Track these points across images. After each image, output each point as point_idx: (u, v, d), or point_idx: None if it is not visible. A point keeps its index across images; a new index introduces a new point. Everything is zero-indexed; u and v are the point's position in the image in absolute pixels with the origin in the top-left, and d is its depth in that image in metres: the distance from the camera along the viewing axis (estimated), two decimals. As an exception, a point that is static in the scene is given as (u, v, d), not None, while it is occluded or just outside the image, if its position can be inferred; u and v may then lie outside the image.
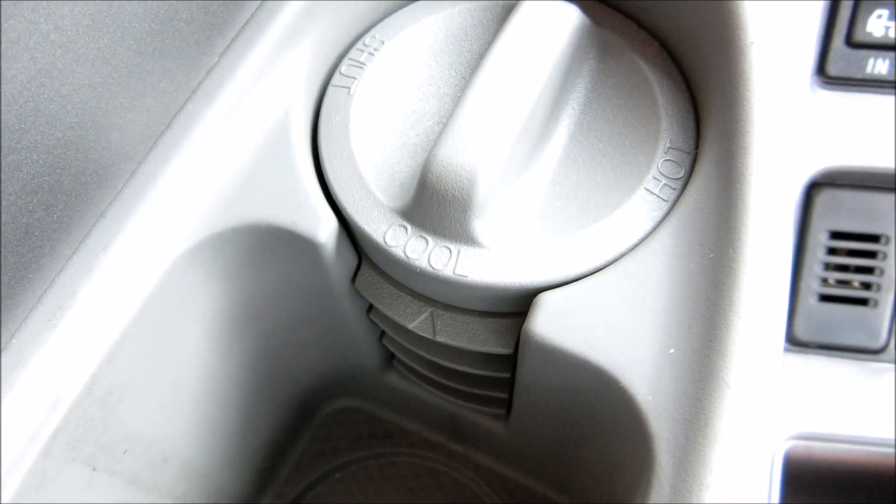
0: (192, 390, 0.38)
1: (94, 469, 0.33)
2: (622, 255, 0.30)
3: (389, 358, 0.46)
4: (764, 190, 0.29)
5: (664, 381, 0.28)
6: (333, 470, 0.51)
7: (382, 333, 0.42)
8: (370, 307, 0.39)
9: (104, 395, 0.32)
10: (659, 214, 0.31)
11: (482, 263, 0.31)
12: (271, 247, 0.34)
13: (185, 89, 0.34)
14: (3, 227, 0.27)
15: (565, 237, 0.31)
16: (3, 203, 0.27)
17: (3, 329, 0.29)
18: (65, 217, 0.30)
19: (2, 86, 0.25)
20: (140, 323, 0.32)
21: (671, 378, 0.28)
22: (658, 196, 0.31)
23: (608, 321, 0.29)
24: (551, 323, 0.30)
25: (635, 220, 0.31)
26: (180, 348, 0.35)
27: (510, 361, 0.35)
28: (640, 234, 0.30)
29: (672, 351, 0.28)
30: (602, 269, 0.30)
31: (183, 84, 0.33)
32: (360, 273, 0.36)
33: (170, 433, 0.37)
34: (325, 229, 0.33)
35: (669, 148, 0.32)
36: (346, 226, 0.34)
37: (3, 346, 0.29)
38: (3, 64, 0.25)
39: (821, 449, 0.28)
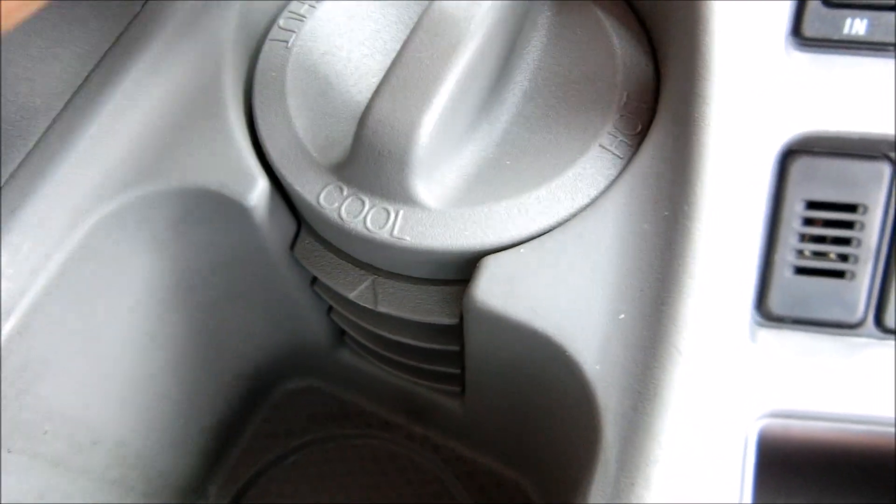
0: (122, 366, 0.35)
1: (9, 451, 0.31)
2: (573, 216, 0.28)
3: (341, 334, 0.44)
4: (724, 147, 0.27)
5: (613, 349, 0.26)
6: (288, 453, 0.49)
7: (330, 307, 0.40)
8: (314, 279, 0.37)
9: (18, 370, 0.30)
10: (614, 172, 0.29)
11: (422, 226, 0.28)
12: (202, 211, 0.32)
13: (105, 39, 0.31)
14: None
15: (513, 198, 0.29)
16: None
17: None
18: (-34, 175, 0.28)
19: None
20: (55, 292, 0.30)
21: (620, 345, 0.26)
22: (613, 153, 0.29)
23: (555, 286, 0.27)
24: (495, 288, 0.28)
25: (588, 179, 0.29)
26: (106, 320, 0.33)
27: (458, 333, 0.33)
28: (594, 193, 0.28)
29: (622, 317, 0.26)
30: (551, 230, 0.28)
31: (102, 33, 0.31)
32: (298, 240, 0.34)
33: (99, 412, 0.35)
34: (257, 192, 0.30)
35: (626, 103, 0.30)
36: (283, 190, 0.32)
37: None
38: None
39: (798, 427, 0.27)
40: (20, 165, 0.30)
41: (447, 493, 0.46)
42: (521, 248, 0.28)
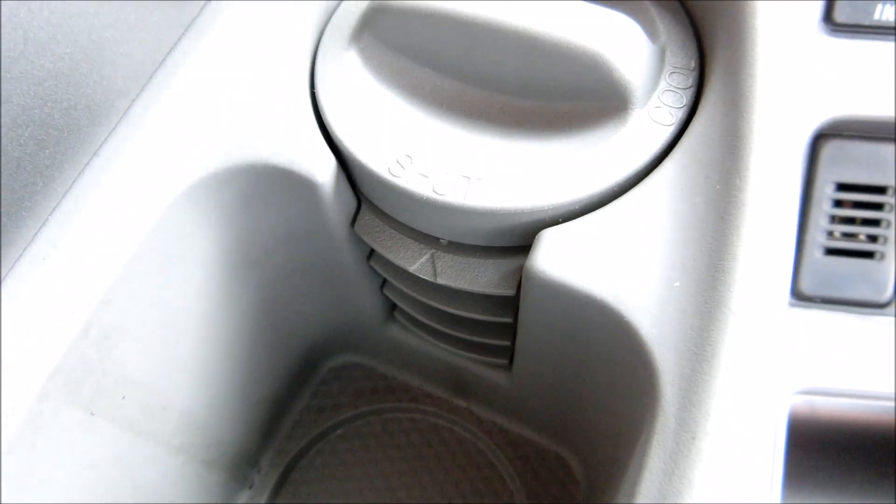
0: (191, 338, 0.37)
1: (93, 414, 0.33)
2: (628, 185, 0.29)
3: (391, 310, 0.45)
4: (768, 126, 0.28)
5: (669, 314, 0.27)
6: (335, 426, 0.50)
7: (383, 283, 0.41)
8: (370, 254, 0.38)
9: (101, 338, 0.32)
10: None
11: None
12: (270, 188, 0.33)
13: (179, 25, 0.33)
14: (-6, 160, 0.27)
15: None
16: (-7, 134, 0.26)
17: (-4, 267, 0.29)
18: (57, 153, 0.29)
19: (-12, 9, 0.24)
20: (136, 265, 0.31)
21: (676, 311, 0.27)
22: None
23: (612, 256, 0.28)
24: (554, 259, 0.29)
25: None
26: (178, 293, 0.35)
27: (512, 305, 0.35)
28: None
29: (677, 284, 0.28)
30: (606, 197, 0.29)
31: (176, 19, 0.33)
32: (359, 217, 0.36)
33: (169, 381, 0.37)
34: (323, 169, 0.32)
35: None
36: (346, 168, 0.34)
37: (-3, 285, 0.29)
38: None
39: (825, 404, 0.27)
40: (103, 143, 0.31)
41: (490, 465, 0.48)
42: (577, 222, 0.29)
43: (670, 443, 0.26)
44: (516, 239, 0.32)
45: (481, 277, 0.33)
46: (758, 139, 0.28)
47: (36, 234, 0.30)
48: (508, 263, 0.33)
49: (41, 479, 0.31)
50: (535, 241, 0.30)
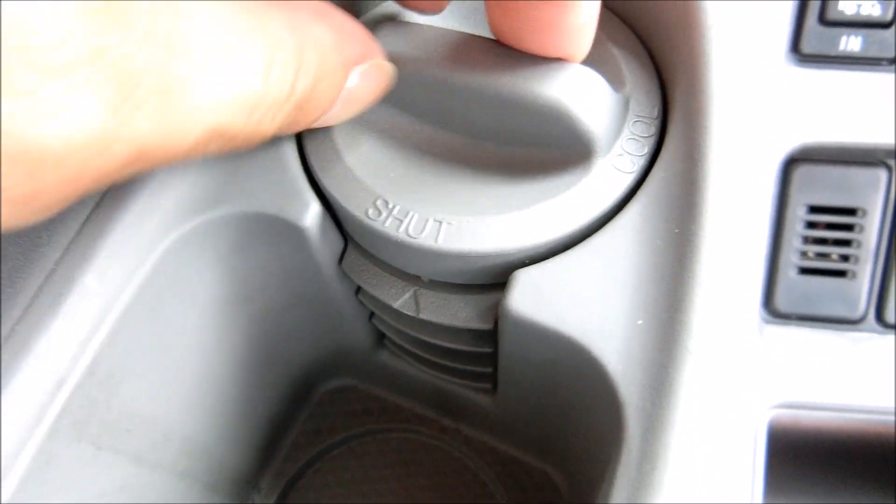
0: (190, 371, 0.39)
1: (99, 448, 0.35)
2: (592, 228, 0.31)
3: (380, 337, 0.47)
4: (726, 165, 0.30)
5: (633, 350, 0.29)
6: (331, 447, 0.53)
7: (372, 314, 0.43)
8: (358, 289, 0.40)
9: (106, 377, 0.34)
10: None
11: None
12: (260, 232, 0.36)
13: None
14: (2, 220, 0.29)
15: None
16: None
17: (5, 316, 0.31)
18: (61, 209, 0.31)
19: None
20: (137, 307, 0.34)
21: (639, 348, 0.29)
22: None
23: (580, 296, 0.31)
24: (527, 299, 0.31)
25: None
26: (177, 330, 0.37)
27: (492, 337, 0.37)
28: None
29: (640, 322, 0.30)
30: (573, 240, 0.31)
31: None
32: (346, 255, 0.38)
33: (170, 412, 0.39)
34: (310, 214, 0.34)
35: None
36: (332, 211, 0.36)
37: (6, 334, 0.31)
38: None
39: (806, 417, 0.29)
40: (104, 196, 0.34)
41: (480, 483, 0.50)
42: (548, 263, 0.31)
43: (633, 472, 0.28)
44: (491, 278, 0.34)
45: (461, 313, 0.35)
46: (715, 180, 0.30)
47: (42, 283, 0.32)
48: (486, 300, 0.35)
49: (52, 511, 0.33)
50: (509, 281, 0.32)
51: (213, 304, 0.39)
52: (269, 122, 0.26)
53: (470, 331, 0.36)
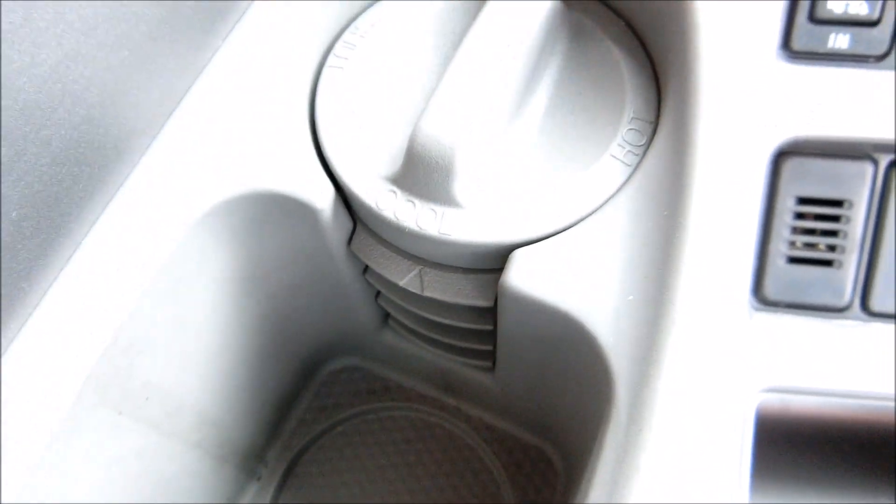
0: (204, 346, 0.41)
1: (120, 413, 0.37)
2: (588, 216, 0.34)
3: (385, 317, 0.50)
4: (715, 154, 0.31)
5: (623, 325, 0.31)
6: (335, 424, 0.55)
7: (377, 294, 0.45)
8: (365, 268, 0.42)
9: (127, 347, 0.36)
10: (622, 178, 0.34)
11: (464, 223, 0.34)
12: (275, 213, 0.38)
13: (193, 70, 0.37)
14: (37, 196, 0.31)
15: (538, 199, 0.34)
16: (37, 174, 0.30)
17: (37, 287, 0.33)
18: (89, 187, 0.33)
19: (34, 69, 0.28)
20: (158, 282, 0.36)
21: (629, 322, 0.31)
22: (622, 161, 0.35)
23: (575, 273, 0.33)
24: (525, 276, 0.33)
25: (601, 183, 0.34)
26: (193, 307, 0.39)
27: (492, 314, 0.39)
28: (606, 196, 0.34)
29: (631, 298, 0.32)
30: (569, 228, 0.34)
31: (191, 65, 0.37)
32: (355, 236, 0.40)
33: (186, 384, 0.41)
34: (322, 196, 0.36)
35: (633, 118, 0.35)
36: (342, 193, 0.38)
37: (39, 302, 0.33)
38: (35, 49, 0.28)
39: (795, 402, 0.29)
40: (128, 176, 0.35)
41: (478, 459, 0.52)
42: (545, 243, 0.34)
43: (621, 435, 0.30)
44: (491, 262, 0.36)
45: (463, 290, 0.37)
46: (702, 168, 0.31)
47: (70, 256, 0.34)
48: (487, 279, 0.37)
49: (76, 472, 0.35)
50: (508, 260, 0.34)
51: (229, 283, 0.41)
52: None
53: (471, 308, 0.38)
